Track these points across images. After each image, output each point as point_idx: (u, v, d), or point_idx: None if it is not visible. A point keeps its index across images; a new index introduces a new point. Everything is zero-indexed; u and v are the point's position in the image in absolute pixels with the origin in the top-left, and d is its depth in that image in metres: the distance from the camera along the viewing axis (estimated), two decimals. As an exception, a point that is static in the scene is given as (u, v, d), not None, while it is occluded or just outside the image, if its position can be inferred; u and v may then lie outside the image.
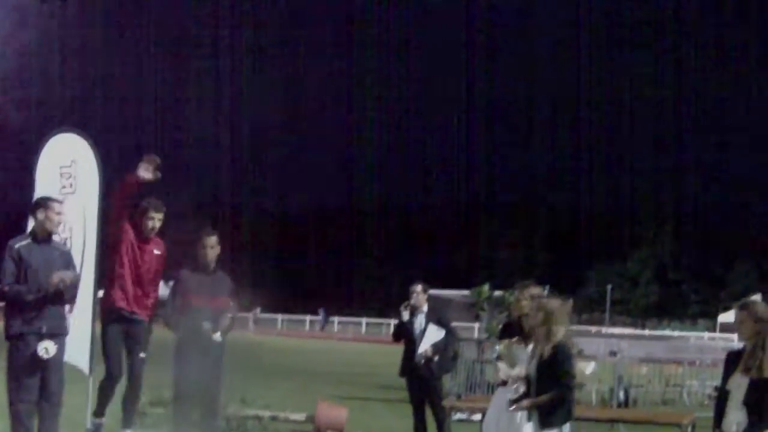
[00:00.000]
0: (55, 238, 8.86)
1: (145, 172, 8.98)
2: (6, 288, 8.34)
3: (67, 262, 8.72)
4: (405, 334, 11.49)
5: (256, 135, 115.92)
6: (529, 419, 7.60)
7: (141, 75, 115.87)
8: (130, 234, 9.25)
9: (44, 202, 8.66)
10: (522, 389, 8.06)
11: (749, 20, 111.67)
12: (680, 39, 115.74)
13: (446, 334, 11.40)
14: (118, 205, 9.24)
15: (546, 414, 7.51)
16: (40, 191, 10.14)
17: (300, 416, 14.20)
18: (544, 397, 7.50)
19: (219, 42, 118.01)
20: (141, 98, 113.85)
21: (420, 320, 11.31)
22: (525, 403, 7.67)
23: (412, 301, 11.36)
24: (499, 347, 8.37)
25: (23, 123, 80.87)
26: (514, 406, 7.72)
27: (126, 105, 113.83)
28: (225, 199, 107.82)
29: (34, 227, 8.66)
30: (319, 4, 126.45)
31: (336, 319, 71.79)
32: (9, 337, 8.52)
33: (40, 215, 8.58)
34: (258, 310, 71.58)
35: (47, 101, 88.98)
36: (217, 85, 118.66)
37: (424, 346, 11.13)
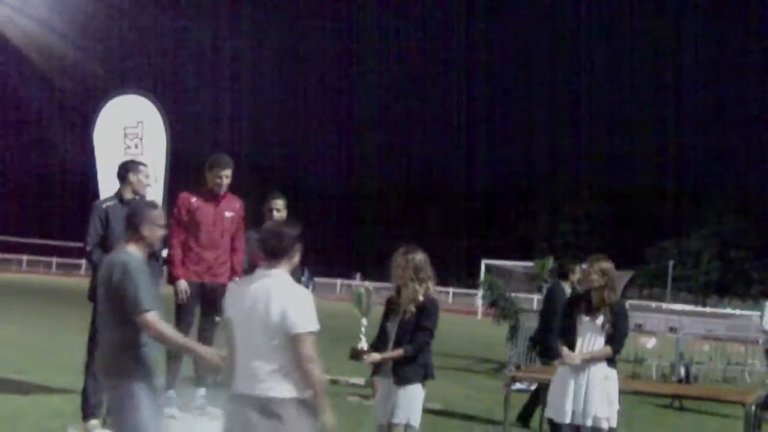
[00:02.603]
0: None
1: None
2: (89, 249, 8.40)
3: None
4: None
5: (260, 114, 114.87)
6: (373, 374, 7.16)
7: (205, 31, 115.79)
8: (194, 201, 9.14)
9: (134, 166, 8.72)
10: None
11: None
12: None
13: None
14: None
15: (401, 369, 7.12)
16: (101, 152, 10.22)
17: (359, 380, 14.26)
18: (397, 351, 7.10)
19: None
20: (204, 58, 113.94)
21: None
22: (375, 356, 7.23)
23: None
24: (354, 291, 7.82)
25: (84, 84, 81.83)
26: (364, 358, 7.26)
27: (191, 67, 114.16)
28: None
29: (121, 189, 8.69)
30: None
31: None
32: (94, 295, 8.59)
33: (132, 178, 8.62)
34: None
35: (109, 61, 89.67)
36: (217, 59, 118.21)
37: None
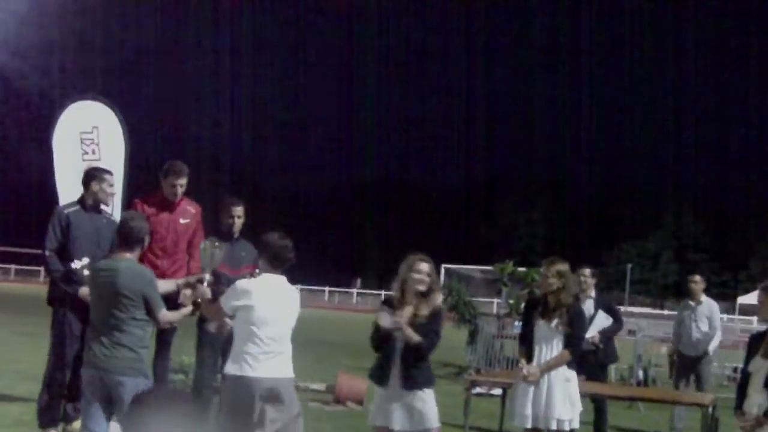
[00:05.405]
0: (103, 207, 8.79)
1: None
2: (47, 254, 8.35)
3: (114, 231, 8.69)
4: None
5: (258, 112, 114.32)
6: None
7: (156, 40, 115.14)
8: (147, 209, 9.07)
9: (98, 174, 8.58)
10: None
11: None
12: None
13: (614, 321, 11.30)
14: None
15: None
16: (58, 158, 10.15)
17: (320, 386, 14.26)
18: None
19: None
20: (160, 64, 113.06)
21: (588, 306, 10.90)
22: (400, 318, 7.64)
23: (582, 286, 10.88)
24: (203, 245, 7.72)
25: (42, 91, 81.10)
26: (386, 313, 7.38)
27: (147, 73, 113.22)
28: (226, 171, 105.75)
29: (83, 196, 8.60)
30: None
31: (355, 291, 72.16)
32: (52, 301, 8.57)
33: (95, 186, 8.51)
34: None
35: (66, 69, 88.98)
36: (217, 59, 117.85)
37: (592, 333, 10.93)
